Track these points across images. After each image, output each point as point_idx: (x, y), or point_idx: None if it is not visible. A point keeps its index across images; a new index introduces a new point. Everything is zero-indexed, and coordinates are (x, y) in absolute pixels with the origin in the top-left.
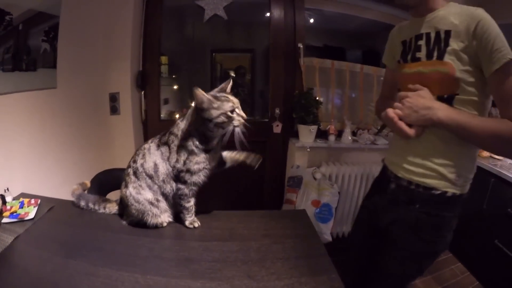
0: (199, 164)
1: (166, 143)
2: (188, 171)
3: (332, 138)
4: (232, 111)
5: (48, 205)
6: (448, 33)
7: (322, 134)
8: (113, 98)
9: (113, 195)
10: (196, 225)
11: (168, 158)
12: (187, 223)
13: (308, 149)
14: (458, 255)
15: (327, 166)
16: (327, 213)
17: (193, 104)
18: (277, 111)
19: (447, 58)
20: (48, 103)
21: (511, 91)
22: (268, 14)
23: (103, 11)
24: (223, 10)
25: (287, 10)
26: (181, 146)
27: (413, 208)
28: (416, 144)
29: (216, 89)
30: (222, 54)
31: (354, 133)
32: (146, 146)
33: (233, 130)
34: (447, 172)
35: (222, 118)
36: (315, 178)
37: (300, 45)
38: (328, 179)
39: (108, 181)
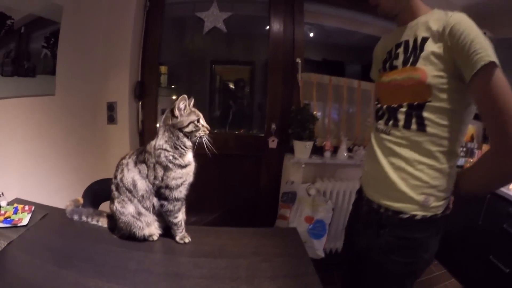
0: (177, 179)
1: (143, 161)
2: (167, 187)
3: (327, 154)
4: (198, 121)
5: (42, 212)
6: (425, 39)
7: (317, 150)
8: (111, 107)
9: (106, 205)
10: (186, 240)
11: (147, 176)
12: (177, 238)
13: (303, 165)
14: (452, 270)
15: (321, 182)
16: (320, 229)
17: (161, 122)
18: (273, 126)
19: (420, 63)
20: (46, 110)
21: (489, 99)
22: (267, 27)
23: (103, 20)
24: (223, 23)
25: (287, 25)
26: (157, 163)
27: (383, 232)
28: (385, 166)
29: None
30: (222, 66)
31: (350, 149)
32: (124, 161)
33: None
34: (415, 195)
35: (191, 128)
36: (309, 194)
37: (299, 61)
38: (323, 195)
39: (102, 191)
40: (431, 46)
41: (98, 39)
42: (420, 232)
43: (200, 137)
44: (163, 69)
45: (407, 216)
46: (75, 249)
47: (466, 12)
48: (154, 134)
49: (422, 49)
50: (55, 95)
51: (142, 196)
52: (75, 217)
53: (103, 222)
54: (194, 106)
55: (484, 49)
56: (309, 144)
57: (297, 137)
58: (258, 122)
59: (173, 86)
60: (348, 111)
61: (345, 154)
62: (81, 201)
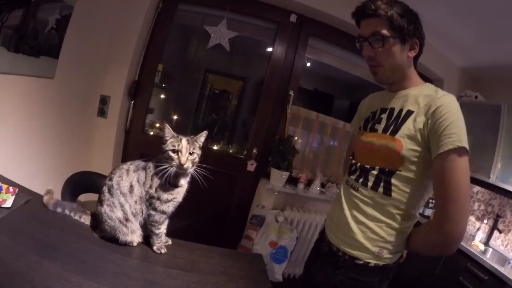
0: (168, 195)
1: (144, 169)
2: (159, 198)
3: (301, 186)
4: (174, 151)
5: (25, 197)
6: (410, 112)
7: (292, 180)
8: (103, 101)
9: (85, 197)
10: (163, 251)
11: (144, 183)
12: (155, 248)
13: (276, 193)
14: None
15: (291, 211)
16: (282, 255)
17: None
18: (255, 151)
19: (399, 135)
20: (42, 92)
21: (445, 180)
22: (269, 49)
23: (114, 14)
24: (228, 42)
25: (288, 55)
26: (155, 174)
27: (338, 272)
28: (348, 217)
29: (193, 135)
30: (215, 76)
31: (323, 185)
32: (125, 166)
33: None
34: (371, 246)
35: (167, 154)
36: (277, 221)
37: (291, 93)
38: (290, 223)
39: (82, 183)
40: (414, 121)
41: (105, 31)
42: (372, 277)
43: (171, 166)
44: (159, 66)
45: (361, 262)
46: (58, 242)
47: (463, 74)
48: (139, 135)
49: (404, 121)
50: (54, 79)
51: (135, 202)
52: (58, 210)
53: (85, 220)
54: (206, 140)
55: (457, 134)
56: (285, 174)
57: (275, 165)
58: (239, 138)
59: (163, 85)
60: (329, 143)
61: (318, 189)
62: (53, 190)
